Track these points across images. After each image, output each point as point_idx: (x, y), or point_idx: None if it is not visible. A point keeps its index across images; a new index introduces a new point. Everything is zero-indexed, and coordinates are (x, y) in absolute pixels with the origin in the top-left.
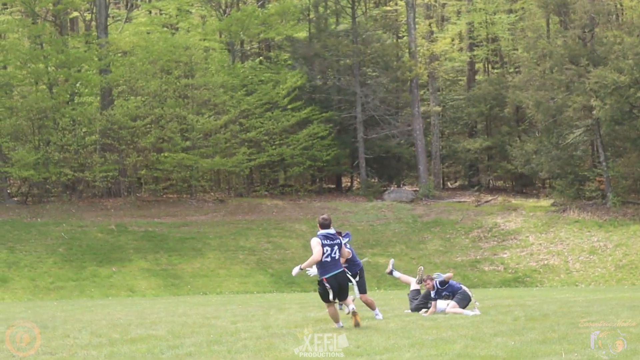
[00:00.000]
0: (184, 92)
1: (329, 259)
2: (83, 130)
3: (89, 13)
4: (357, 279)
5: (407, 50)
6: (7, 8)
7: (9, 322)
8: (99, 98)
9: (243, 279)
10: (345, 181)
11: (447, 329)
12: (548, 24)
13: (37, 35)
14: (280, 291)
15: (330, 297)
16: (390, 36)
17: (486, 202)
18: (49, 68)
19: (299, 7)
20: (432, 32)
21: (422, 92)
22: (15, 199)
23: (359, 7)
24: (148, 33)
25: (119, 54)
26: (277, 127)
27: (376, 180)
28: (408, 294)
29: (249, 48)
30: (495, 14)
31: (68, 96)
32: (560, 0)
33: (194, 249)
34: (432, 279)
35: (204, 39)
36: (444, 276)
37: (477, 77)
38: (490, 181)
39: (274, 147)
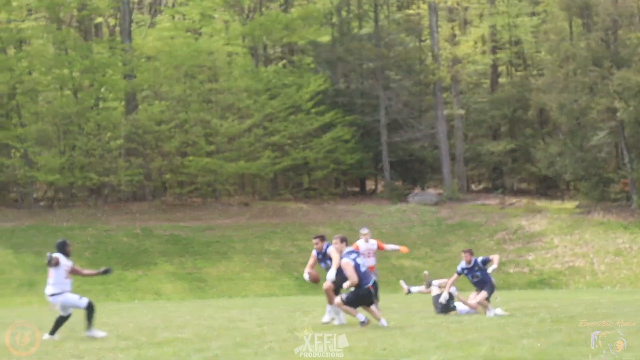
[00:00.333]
0: (208, 97)
1: (364, 269)
2: (108, 135)
3: (113, 18)
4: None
5: (430, 54)
6: (32, 14)
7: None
8: (123, 103)
9: (268, 282)
10: (370, 184)
11: (473, 331)
12: (571, 27)
13: (61, 41)
14: (305, 294)
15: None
16: (413, 39)
17: (510, 204)
18: (73, 73)
19: (322, 11)
20: (454, 35)
21: (445, 95)
22: (42, 203)
23: (382, 11)
24: (172, 38)
25: (143, 59)
26: (301, 131)
27: (400, 183)
28: (432, 297)
29: (272, 52)
30: (517, 16)
31: (93, 101)
32: (583, 3)
33: (218, 253)
34: (472, 253)
35: (228, 44)
36: (492, 257)
37: (500, 79)
38: (514, 183)
39: (297, 150)
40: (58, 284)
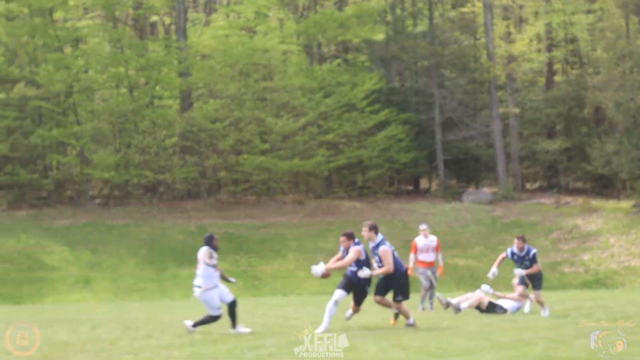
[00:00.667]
0: (263, 95)
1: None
2: (163, 132)
3: (168, 17)
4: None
5: (484, 52)
6: (88, 13)
7: (92, 323)
8: (178, 101)
9: (322, 281)
10: (424, 183)
11: (528, 331)
12: (627, 24)
13: (117, 39)
14: None
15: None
16: (468, 38)
17: (566, 203)
18: (129, 72)
19: (377, 9)
20: (510, 33)
21: (500, 94)
22: (97, 201)
23: (436, 9)
24: (226, 36)
25: (198, 57)
26: (355, 130)
27: (454, 182)
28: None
29: (326, 50)
30: (573, 14)
31: (148, 99)
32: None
33: (273, 251)
34: (524, 240)
35: (282, 42)
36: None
37: (555, 78)
38: (570, 182)
39: (352, 149)
40: (207, 278)
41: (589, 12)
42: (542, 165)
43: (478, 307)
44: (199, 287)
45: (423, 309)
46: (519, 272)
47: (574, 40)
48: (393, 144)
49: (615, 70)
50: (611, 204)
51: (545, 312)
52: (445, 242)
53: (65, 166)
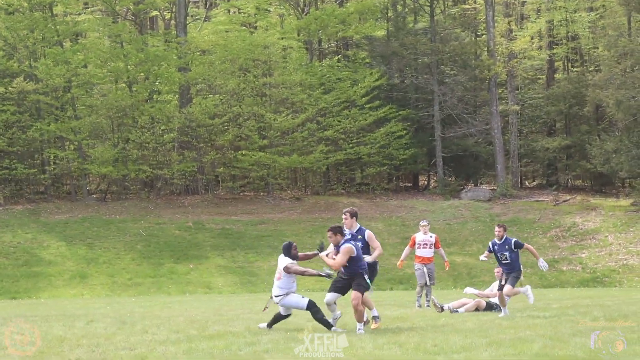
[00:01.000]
0: (262, 91)
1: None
2: (161, 128)
3: (168, 12)
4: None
5: (485, 49)
6: (88, 7)
7: (89, 318)
8: (177, 96)
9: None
10: (422, 180)
11: (525, 329)
12: (629, 22)
13: (117, 34)
14: None
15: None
16: (469, 34)
17: (564, 201)
18: (128, 66)
19: (378, 5)
20: (511, 31)
21: (500, 91)
22: (95, 196)
23: (438, 6)
24: (227, 32)
25: (198, 53)
26: (355, 126)
27: (453, 179)
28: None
29: (327, 46)
30: (575, 11)
31: (147, 94)
32: None
33: (270, 247)
34: (505, 229)
35: (282, 38)
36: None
37: (556, 75)
38: (569, 180)
39: (351, 145)
40: (285, 286)
41: (590, 9)
42: (541, 162)
43: (476, 309)
44: (277, 296)
45: (419, 306)
46: (543, 265)
47: (575, 37)
48: (392, 141)
49: (616, 68)
50: (610, 202)
51: (504, 312)
52: (443, 239)
53: (63, 161)
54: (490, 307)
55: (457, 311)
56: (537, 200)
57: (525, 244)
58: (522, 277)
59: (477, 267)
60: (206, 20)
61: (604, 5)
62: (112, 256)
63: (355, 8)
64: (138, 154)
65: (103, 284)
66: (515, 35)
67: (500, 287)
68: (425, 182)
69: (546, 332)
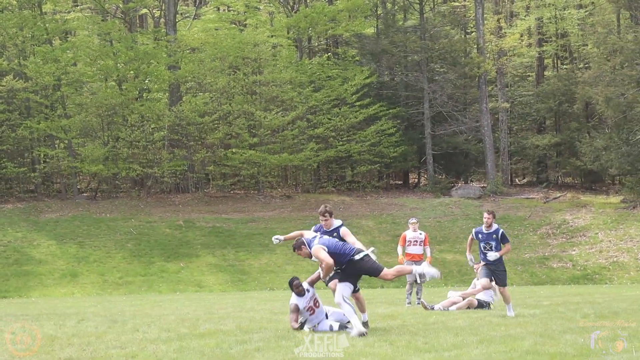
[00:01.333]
0: (252, 89)
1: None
2: (152, 126)
3: (157, 10)
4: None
5: (475, 46)
6: (77, 5)
7: (79, 317)
8: (167, 94)
9: (310, 275)
10: (413, 177)
11: (516, 326)
12: (619, 19)
13: (106, 32)
14: None
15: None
16: (459, 32)
17: (555, 198)
18: (118, 65)
19: (368, 3)
20: (500, 28)
21: (490, 88)
22: (85, 194)
23: (427, 3)
24: (216, 30)
25: (188, 51)
26: (345, 124)
27: (444, 177)
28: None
29: (316, 44)
30: (564, 9)
31: (137, 92)
32: None
33: (261, 245)
34: (494, 216)
35: (272, 36)
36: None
37: (546, 72)
38: (559, 177)
39: (341, 143)
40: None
41: (579, 7)
42: (531, 160)
43: (468, 307)
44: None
45: (409, 303)
46: (492, 256)
47: (564, 35)
48: (383, 139)
49: (606, 65)
50: (600, 199)
51: (510, 312)
52: (433, 237)
53: (53, 159)
54: (481, 305)
55: (448, 309)
56: (528, 198)
57: (508, 243)
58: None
59: (467, 265)
60: (196, 18)
61: (593, 3)
62: (103, 255)
63: (345, 6)
64: (128, 153)
65: (94, 282)
66: (505, 33)
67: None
68: (416, 180)
69: (537, 329)
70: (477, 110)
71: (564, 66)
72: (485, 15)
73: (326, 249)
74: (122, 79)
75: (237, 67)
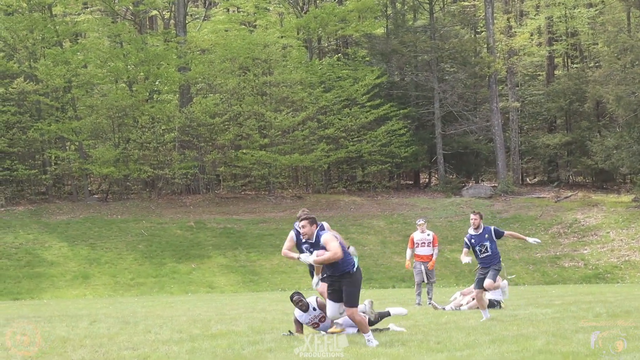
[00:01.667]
0: (262, 89)
1: None
2: (162, 127)
3: (167, 11)
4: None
5: (485, 46)
6: (87, 7)
7: (91, 318)
8: (177, 96)
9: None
10: (423, 177)
11: (528, 325)
12: (629, 18)
13: (116, 34)
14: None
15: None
16: (468, 31)
17: (566, 197)
18: (128, 66)
19: (378, 3)
20: (510, 27)
21: (500, 88)
22: (96, 196)
23: (437, 3)
24: (226, 31)
25: (198, 52)
26: (356, 124)
27: (454, 177)
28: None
29: (326, 45)
30: (574, 8)
31: (147, 94)
32: None
33: (272, 246)
34: (481, 217)
35: (282, 36)
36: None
37: (556, 71)
38: (570, 177)
39: (352, 143)
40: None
41: (590, 5)
42: (542, 159)
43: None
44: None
45: (419, 303)
46: (465, 260)
47: (574, 34)
48: (393, 139)
49: (616, 64)
50: (611, 198)
51: (485, 315)
52: (445, 236)
53: (64, 161)
54: (492, 304)
55: (459, 309)
56: (539, 197)
57: (506, 231)
58: (503, 269)
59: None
60: (205, 20)
61: (603, 2)
62: (114, 256)
63: (355, 6)
64: (139, 154)
65: (105, 284)
66: (515, 32)
67: (479, 285)
68: (427, 180)
69: (549, 328)
70: (487, 110)
71: (575, 65)
72: (495, 15)
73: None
74: (133, 80)
75: (247, 68)
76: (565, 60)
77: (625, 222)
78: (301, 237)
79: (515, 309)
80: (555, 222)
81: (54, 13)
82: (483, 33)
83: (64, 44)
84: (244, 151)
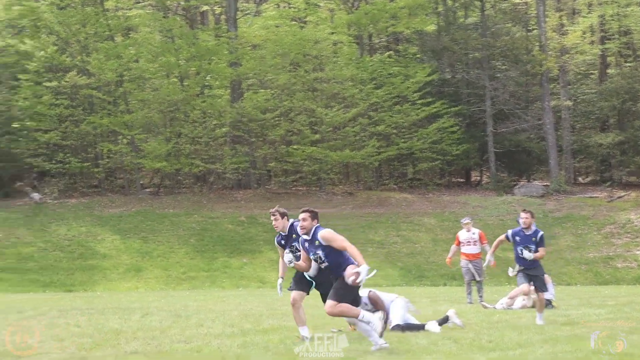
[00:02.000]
0: (313, 85)
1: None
2: (213, 122)
3: (218, 7)
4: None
5: (537, 44)
6: (139, 2)
7: (144, 311)
8: (228, 91)
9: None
10: (475, 175)
11: (582, 326)
12: None
13: (168, 29)
14: (410, 285)
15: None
16: (520, 29)
17: (619, 197)
18: (180, 61)
19: (429, 0)
20: (562, 25)
21: (552, 86)
22: (148, 189)
23: (488, 0)
24: (277, 27)
25: (249, 47)
26: (407, 121)
27: (506, 175)
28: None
29: (377, 41)
30: (627, 6)
31: (198, 89)
32: None
33: None
34: (533, 216)
35: (333, 33)
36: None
37: (609, 70)
38: (623, 176)
39: (403, 140)
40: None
41: None
42: (594, 158)
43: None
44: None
45: (470, 302)
46: (527, 255)
47: (627, 32)
48: (444, 136)
49: None
50: None
51: (539, 320)
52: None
53: (116, 155)
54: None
55: (511, 308)
56: (591, 197)
57: (543, 247)
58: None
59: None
60: (256, 15)
61: None
62: (166, 250)
63: (406, 3)
64: (190, 149)
65: (157, 277)
66: (567, 30)
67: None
68: (478, 178)
69: (602, 329)
70: (539, 108)
71: (628, 64)
72: (546, 13)
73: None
74: (184, 75)
75: (298, 64)
76: (618, 58)
77: None
78: (282, 234)
79: (567, 309)
80: (608, 222)
81: (105, 7)
82: (535, 31)
83: (116, 38)
84: (295, 147)
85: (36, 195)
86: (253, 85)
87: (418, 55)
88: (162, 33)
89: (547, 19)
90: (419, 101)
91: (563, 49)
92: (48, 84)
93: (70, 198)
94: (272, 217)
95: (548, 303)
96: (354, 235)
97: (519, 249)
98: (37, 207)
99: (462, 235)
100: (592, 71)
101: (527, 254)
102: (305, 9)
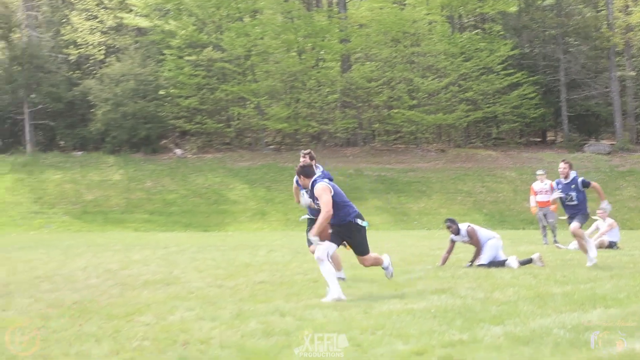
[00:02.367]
0: (411, 58)
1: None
2: (326, 90)
3: None
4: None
5: (605, 22)
6: None
7: (268, 248)
8: (339, 63)
9: (461, 217)
10: (550, 135)
11: None
12: None
13: (288, 11)
14: (493, 228)
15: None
16: (590, 10)
17: None
18: (298, 38)
19: None
20: (627, 6)
21: (618, 59)
22: (271, 147)
23: None
24: (380, 9)
25: (356, 27)
26: (491, 89)
27: (577, 135)
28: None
29: (466, 21)
30: None
31: (314, 62)
32: None
33: (419, 191)
34: (571, 167)
35: (428, 14)
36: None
37: None
38: None
39: (488, 105)
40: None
41: None
42: None
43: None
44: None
45: (546, 243)
46: (606, 206)
47: None
48: (524, 102)
49: None
50: None
51: (590, 260)
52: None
53: (245, 117)
54: (610, 245)
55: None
56: None
57: (592, 182)
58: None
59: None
60: None
61: None
62: (286, 197)
63: None
64: (307, 112)
65: (279, 220)
66: (632, 10)
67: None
68: (553, 138)
69: None
70: (606, 78)
71: None
72: None
73: (332, 192)
74: (301, 50)
75: (398, 40)
76: None
77: None
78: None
79: (631, 250)
80: None
81: None
82: (603, 11)
83: (244, 19)
84: (395, 111)
85: (178, 151)
86: (360, 58)
87: (501, 33)
88: (283, 14)
89: (614, 1)
90: (502, 72)
91: (628, 27)
92: (188, 57)
93: (206, 153)
94: (302, 159)
95: (614, 244)
96: (446, 186)
97: (562, 196)
98: (179, 161)
99: (537, 185)
100: None
101: (605, 206)
102: None
